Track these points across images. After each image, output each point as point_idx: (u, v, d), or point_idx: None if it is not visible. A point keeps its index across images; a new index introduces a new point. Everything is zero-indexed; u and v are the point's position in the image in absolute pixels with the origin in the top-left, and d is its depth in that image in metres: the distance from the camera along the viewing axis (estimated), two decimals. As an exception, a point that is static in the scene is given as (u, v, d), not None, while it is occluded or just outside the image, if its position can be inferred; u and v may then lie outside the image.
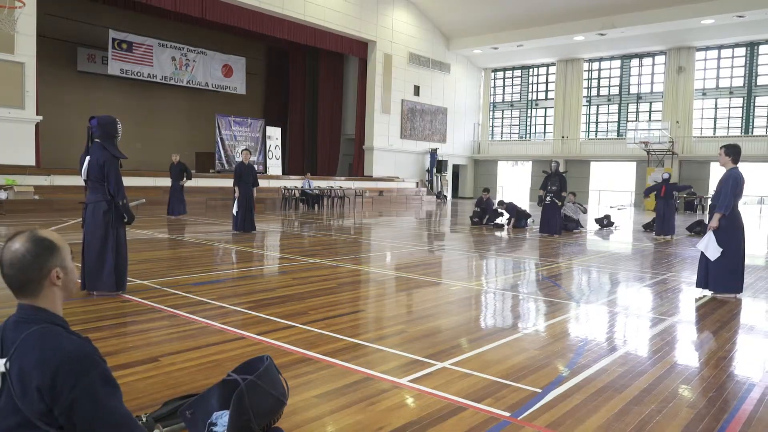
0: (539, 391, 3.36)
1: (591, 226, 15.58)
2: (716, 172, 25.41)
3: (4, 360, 1.70)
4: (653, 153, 26.09)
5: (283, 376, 2.55)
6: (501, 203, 15.47)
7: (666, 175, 13.67)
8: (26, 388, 1.64)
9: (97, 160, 5.42)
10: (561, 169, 13.84)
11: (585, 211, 15.27)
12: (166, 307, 5.10)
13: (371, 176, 26.14)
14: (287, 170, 26.64)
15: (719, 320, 5.36)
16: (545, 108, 32.10)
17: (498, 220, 15.21)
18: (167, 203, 14.71)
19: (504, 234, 13.37)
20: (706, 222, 6.58)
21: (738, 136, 25.81)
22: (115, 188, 5.47)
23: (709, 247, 6.29)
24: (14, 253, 1.72)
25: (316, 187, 21.35)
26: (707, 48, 26.89)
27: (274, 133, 25.08)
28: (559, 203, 12.84)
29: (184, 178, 14.69)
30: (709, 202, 7.19)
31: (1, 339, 1.75)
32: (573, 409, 3.11)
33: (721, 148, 6.43)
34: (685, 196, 24.06)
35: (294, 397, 3.04)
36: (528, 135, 32.92)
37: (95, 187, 5.51)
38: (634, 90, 29.25)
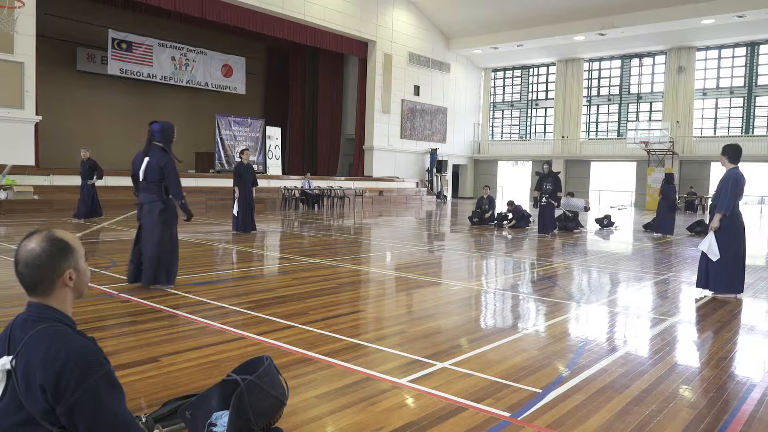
0: (539, 391, 3.36)
1: (591, 226, 15.58)
2: (717, 172, 25.42)
3: (9, 357, 1.70)
4: (653, 153, 26.09)
5: (282, 376, 2.55)
6: (510, 203, 15.30)
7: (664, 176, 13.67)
8: (30, 386, 1.65)
9: (158, 162, 5.72)
10: (556, 169, 13.80)
11: (587, 209, 15.15)
12: (166, 307, 5.10)
13: (371, 176, 26.13)
14: (287, 170, 26.64)
15: (720, 320, 5.35)
16: (545, 108, 32.09)
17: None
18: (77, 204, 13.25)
19: (504, 234, 13.37)
20: (707, 222, 6.56)
21: (738, 136, 25.81)
22: (174, 189, 5.80)
23: (711, 247, 6.29)
24: (30, 252, 1.74)
25: (316, 187, 21.35)
26: (707, 48, 26.89)
27: (274, 133, 25.09)
28: (555, 204, 12.77)
29: (94, 177, 13.16)
30: (710, 202, 7.19)
31: (8, 337, 1.77)
32: (573, 410, 3.11)
33: (722, 147, 6.44)
34: (685, 196, 24.11)
35: (294, 398, 3.03)
36: (528, 135, 32.91)
37: (150, 188, 5.81)
38: (634, 90, 29.24)
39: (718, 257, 6.24)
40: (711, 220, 6.37)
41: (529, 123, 32.87)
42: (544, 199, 12.79)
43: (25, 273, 1.74)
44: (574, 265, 8.78)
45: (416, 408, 3.09)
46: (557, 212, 15.33)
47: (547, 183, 12.81)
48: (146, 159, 5.79)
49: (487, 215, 15.29)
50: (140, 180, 5.87)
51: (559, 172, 13.76)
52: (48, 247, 1.75)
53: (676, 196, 13.69)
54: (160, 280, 5.81)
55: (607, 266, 8.71)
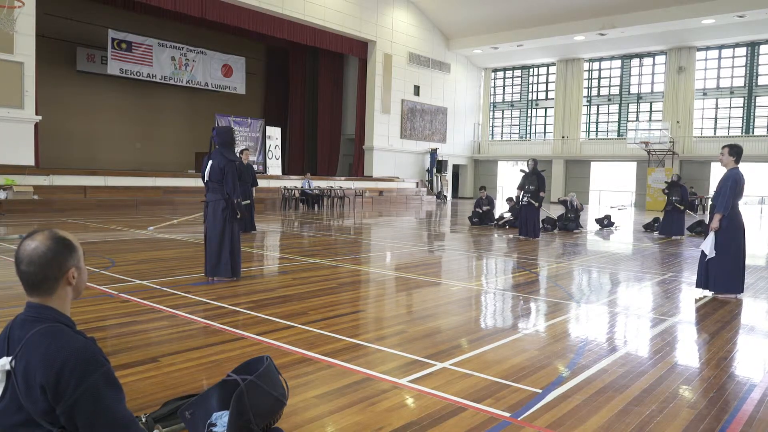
0: (539, 391, 3.35)
1: (591, 226, 15.57)
2: (717, 172, 25.41)
3: (9, 358, 1.70)
4: (653, 153, 26.09)
5: (282, 376, 2.54)
6: (510, 199, 15.03)
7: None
8: (30, 387, 1.65)
9: (218, 164, 6.29)
10: (543, 168, 13.20)
11: (581, 208, 15.11)
12: (166, 307, 5.10)
13: (371, 176, 26.13)
14: (287, 170, 26.64)
15: (720, 320, 5.35)
16: (545, 108, 32.09)
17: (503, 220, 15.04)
18: None
19: (503, 234, 13.36)
20: (707, 222, 6.56)
21: (738, 136, 25.82)
22: (231, 188, 6.32)
23: (712, 247, 6.29)
24: (34, 250, 1.74)
25: (316, 187, 21.34)
26: (708, 48, 26.89)
27: (274, 133, 25.08)
28: (536, 204, 12.01)
29: None
30: (710, 202, 7.18)
31: (7, 337, 1.77)
32: (573, 410, 3.11)
33: (724, 147, 6.37)
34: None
35: (294, 398, 3.03)
36: (528, 135, 32.91)
37: (215, 188, 6.38)
38: (634, 90, 29.24)
39: (713, 256, 6.23)
40: (711, 220, 6.37)
41: (529, 123, 32.86)
42: (525, 199, 12.02)
43: (30, 271, 1.74)
44: (574, 265, 8.78)
45: (416, 408, 3.09)
46: (556, 212, 15.32)
47: (530, 182, 12.03)
48: (209, 162, 6.37)
49: (485, 209, 15.26)
50: (206, 181, 6.44)
51: (544, 170, 12.79)
52: (53, 245, 1.76)
53: (671, 198, 13.54)
54: (221, 272, 6.29)
55: (607, 266, 8.71)
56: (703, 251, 6.41)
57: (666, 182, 14.92)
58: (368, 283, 7.01)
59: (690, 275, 7.72)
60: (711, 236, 6.30)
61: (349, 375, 3.54)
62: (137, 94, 24.02)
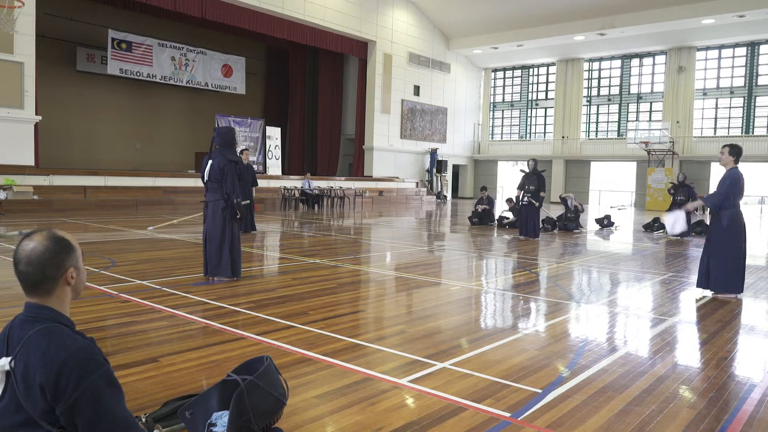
0: (539, 391, 3.35)
1: (591, 226, 15.57)
2: (717, 172, 25.40)
3: (9, 358, 1.70)
4: (653, 153, 26.09)
5: (282, 376, 2.54)
6: (510, 200, 15.06)
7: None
8: (30, 387, 1.65)
9: (218, 164, 6.34)
10: (543, 168, 13.16)
11: (582, 210, 15.11)
12: (166, 308, 5.10)
13: (371, 176, 26.13)
14: (287, 170, 26.64)
15: (720, 320, 5.35)
16: (545, 108, 32.08)
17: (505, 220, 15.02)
18: None
19: (503, 235, 13.36)
20: (707, 222, 6.56)
21: (738, 136, 25.81)
22: (230, 188, 6.36)
23: (675, 223, 6.31)
24: (33, 250, 1.74)
25: (316, 187, 21.34)
26: (708, 48, 26.89)
27: (274, 133, 25.07)
28: (537, 204, 11.98)
29: None
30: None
31: (6, 337, 1.76)
32: (573, 410, 3.11)
33: (724, 146, 6.35)
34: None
35: (294, 398, 3.03)
36: (528, 135, 32.91)
37: (214, 188, 6.42)
38: (634, 90, 29.24)
39: (680, 230, 6.28)
40: (712, 219, 6.37)
41: (529, 123, 32.86)
42: (525, 199, 12.00)
43: (28, 271, 1.73)
44: (574, 265, 8.78)
45: (416, 408, 3.09)
46: (555, 212, 15.33)
47: (530, 182, 12.02)
48: (210, 162, 6.41)
49: (481, 209, 15.26)
50: (206, 181, 6.45)
51: (544, 171, 12.73)
52: (51, 245, 1.75)
53: (678, 198, 13.57)
54: (221, 272, 6.30)
55: (607, 266, 8.70)
56: (705, 255, 6.39)
57: (671, 183, 14.90)
58: (368, 283, 7.01)
59: (689, 275, 7.72)
60: (679, 213, 6.30)
61: (349, 375, 3.54)
62: (137, 94, 24.01)
